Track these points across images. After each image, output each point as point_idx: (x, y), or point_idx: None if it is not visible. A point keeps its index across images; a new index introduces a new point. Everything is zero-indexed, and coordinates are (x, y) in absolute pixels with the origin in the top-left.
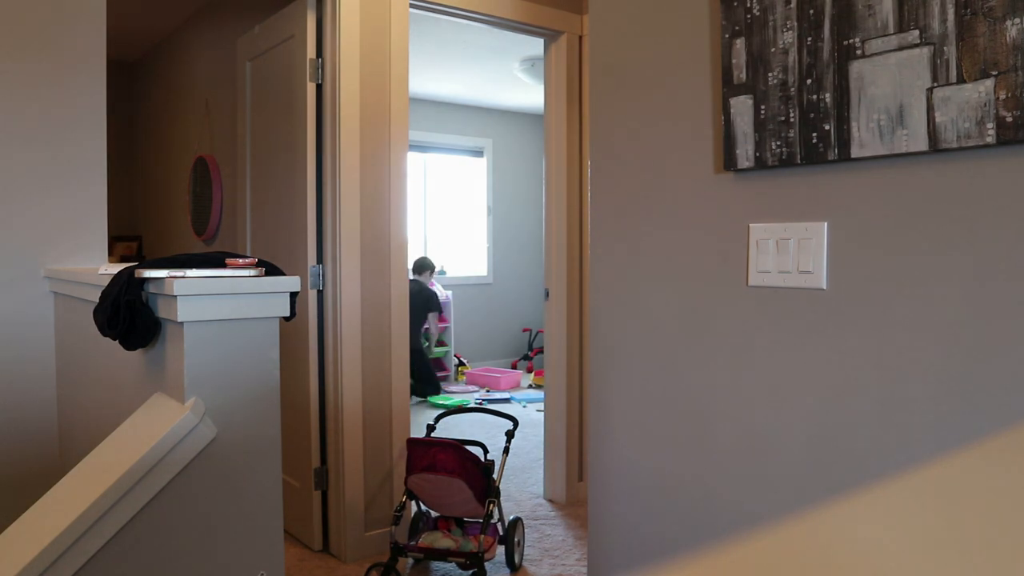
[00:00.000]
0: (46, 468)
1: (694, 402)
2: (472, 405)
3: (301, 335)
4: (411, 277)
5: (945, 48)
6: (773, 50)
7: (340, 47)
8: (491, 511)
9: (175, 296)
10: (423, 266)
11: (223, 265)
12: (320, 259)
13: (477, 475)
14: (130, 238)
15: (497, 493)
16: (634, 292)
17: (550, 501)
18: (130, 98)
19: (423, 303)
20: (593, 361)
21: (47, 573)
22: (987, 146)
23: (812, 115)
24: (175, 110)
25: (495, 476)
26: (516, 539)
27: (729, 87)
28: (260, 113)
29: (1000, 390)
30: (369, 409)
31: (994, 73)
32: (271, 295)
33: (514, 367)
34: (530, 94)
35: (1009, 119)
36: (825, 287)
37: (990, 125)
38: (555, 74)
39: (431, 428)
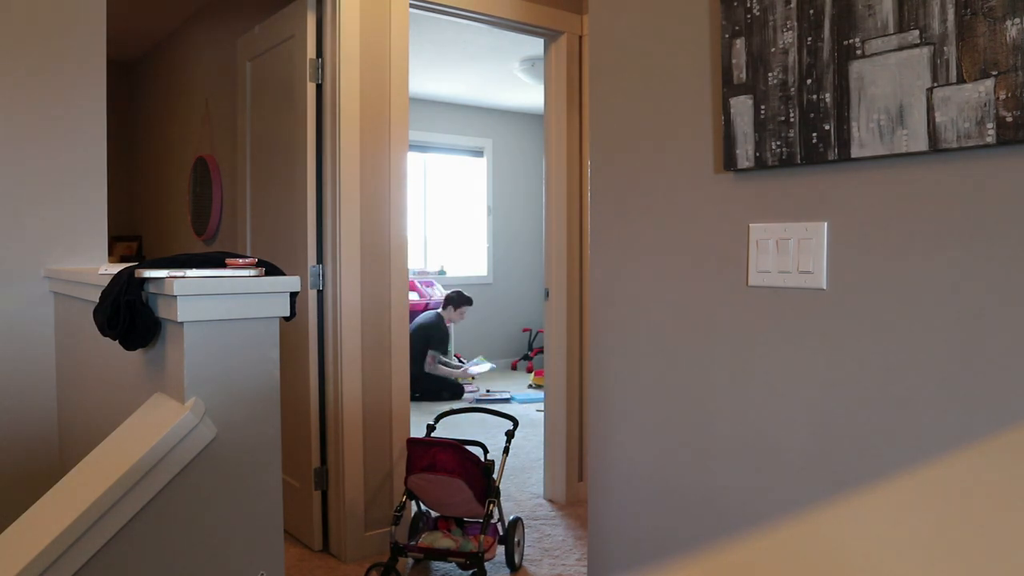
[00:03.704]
0: (46, 468)
1: (694, 402)
2: (472, 405)
3: (301, 335)
4: (439, 310)
5: (945, 48)
6: (773, 50)
7: (340, 47)
8: (491, 511)
9: (175, 296)
10: (456, 300)
11: (223, 265)
12: (320, 259)
13: (477, 475)
14: (130, 238)
15: (497, 493)
16: (634, 292)
17: (550, 501)
18: (130, 98)
19: (431, 337)
20: (593, 361)
21: (47, 573)
22: (987, 146)
23: (812, 115)
24: (175, 110)
25: (495, 476)
26: (516, 539)
27: (729, 87)
28: (260, 113)
29: (1001, 389)
30: (369, 409)
31: (994, 73)
32: (271, 295)
33: (514, 367)
34: (530, 94)
35: (1009, 119)
36: (825, 287)
37: (990, 125)
38: (555, 74)
39: (431, 428)
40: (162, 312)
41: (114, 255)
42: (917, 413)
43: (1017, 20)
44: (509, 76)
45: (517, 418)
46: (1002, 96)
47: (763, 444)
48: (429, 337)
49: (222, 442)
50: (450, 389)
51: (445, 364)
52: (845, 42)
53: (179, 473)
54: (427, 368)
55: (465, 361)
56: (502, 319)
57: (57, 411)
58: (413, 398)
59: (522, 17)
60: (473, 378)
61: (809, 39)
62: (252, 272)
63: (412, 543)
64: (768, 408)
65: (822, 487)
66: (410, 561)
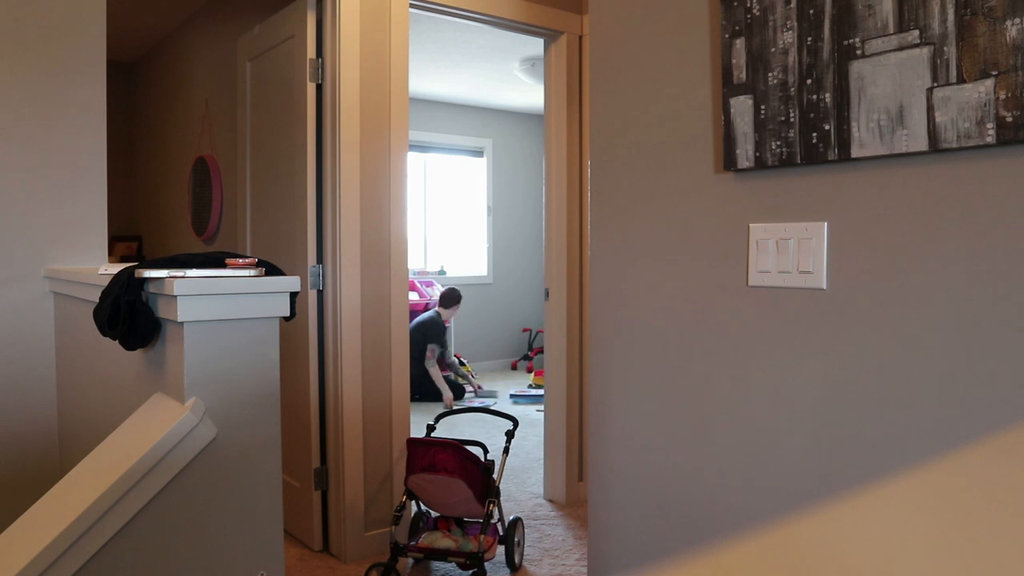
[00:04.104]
0: (46, 468)
1: (694, 402)
2: (472, 405)
3: (301, 335)
4: (437, 308)
5: (945, 48)
6: (773, 50)
7: (340, 47)
8: (491, 511)
9: (175, 296)
10: (449, 298)
11: (223, 265)
12: (320, 259)
13: (477, 475)
14: (130, 238)
15: (497, 493)
16: (634, 292)
17: (550, 501)
18: (130, 98)
19: (427, 332)
20: (593, 361)
21: (47, 573)
22: (987, 146)
23: (812, 115)
24: (175, 110)
25: (495, 476)
26: (516, 539)
27: (729, 87)
28: (260, 113)
29: (1000, 389)
30: (369, 409)
31: (994, 73)
32: (271, 295)
33: (514, 367)
34: (530, 94)
35: (1009, 119)
36: (825, 287)
37: (990, 125)
38: (555, 74)
39: (431, 428)
40: (162, 312)
41: (114, 255)
42: (917, 413)
43: (1017, 20)
44: (509, 76)
45: (517, 418)
46: (1002, 96)
47: (763, 444)
48: (426, 332)
49: (222, 442)
50: (450, 390)
51: (449, 365)
52: (845, 42)
53: (179, 473)
54: (426, 363)
55: (466, 362)
56: (502, 319)
57: (57, 411)
58: (413, 399)
59: (522, 17)
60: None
61: (809, 39)
62: (252, 272)
63: (412, 543)
64: (768, 408)
65: (821, 487)
66: (410, 561)
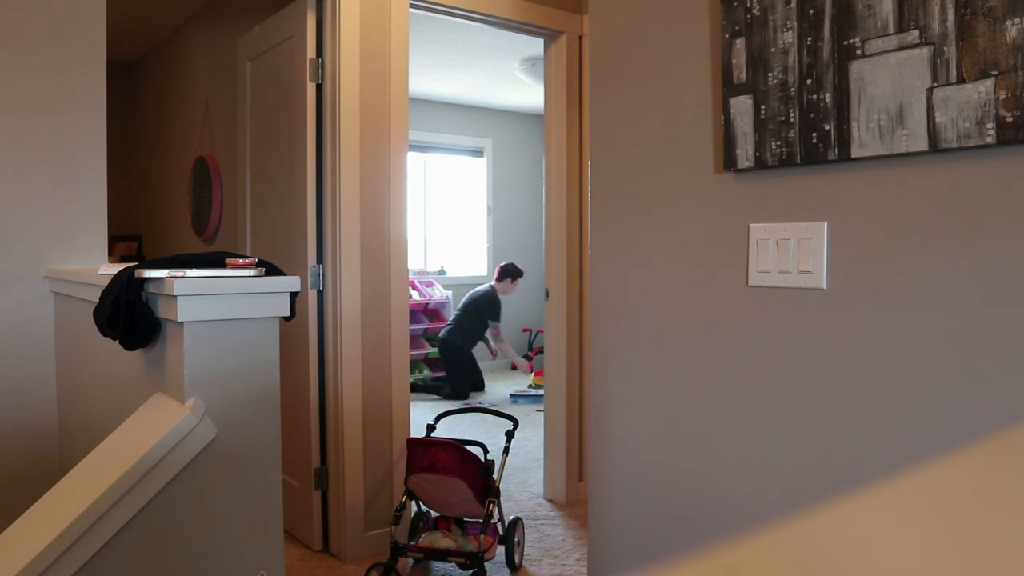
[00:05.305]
0: (46, 468)
1: (694, 402)
2: (472, 405)
3: (301, 335)
4: (493, 283)
5: (945, 48)
6: (773, 50)
7: (340, 47)
8: (491, 511)
9: (175, 296)
10: (514, 272)
11: (223, 265)
12: (320, 259)
13: (477, 475)
14: (130, 238)
15: (497, 493)
16: (634, 292)
17: (550, 501)
18: (130, 98)
19: (483, 308)
20: (593, 361)
21: (47, 573)
22: (987, 146)
23: (812, 115)
24: (175, 110)
25: (495, 476)
26: (516, 539)
27: (729, 87)
28: (260, 113)
29: (1000, 389)
30: (369, 409)
31: (994, 73)
32: (271, 295)
33: (514, 367)
34: (530, 94)
35: (1009, 119)
36: (825, 287)
37: (990, 125)
38: (555, 74)
39: (431, 428)
40: (162, 312)
41: (114, 255)
42: (917, 413)
43: (1017, 20)
44: (509, 76)
45: (517, 418)
46: (1002, 96)
47: (763, 444)
48: (481, 308)
49: (222, 442)
50: (474, 381)
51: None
52: (845, 42)
53: (179, 473)
54: (493, 342)
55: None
56: (502, 319)
57: (57, 411)
58: (442, 394)
59: (522, 17)
60: (534, 375)
61: (809, 39)
62: (252, 272)
63: (412, 543)
64: (768, 408)
65: (822, 487)
66: (410, 561)
